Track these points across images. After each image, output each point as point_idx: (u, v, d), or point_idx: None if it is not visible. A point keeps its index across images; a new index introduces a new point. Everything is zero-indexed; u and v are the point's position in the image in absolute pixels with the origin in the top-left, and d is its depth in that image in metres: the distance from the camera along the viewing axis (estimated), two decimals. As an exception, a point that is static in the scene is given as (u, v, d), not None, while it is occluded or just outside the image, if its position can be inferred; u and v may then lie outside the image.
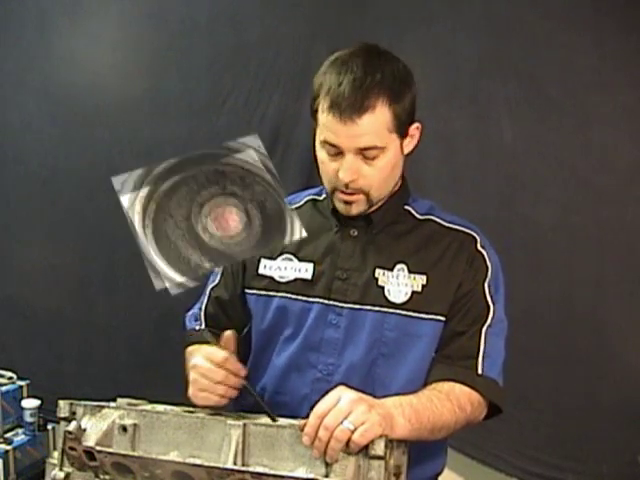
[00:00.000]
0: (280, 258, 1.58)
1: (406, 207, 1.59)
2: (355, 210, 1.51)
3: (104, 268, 2.49)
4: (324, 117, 1.44)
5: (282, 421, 1.34)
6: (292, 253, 1.57)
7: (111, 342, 2.48)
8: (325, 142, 1.46)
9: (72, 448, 1.33)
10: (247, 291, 1.62)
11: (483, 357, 1.50)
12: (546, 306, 2.55)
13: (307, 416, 1.38)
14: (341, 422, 1.21)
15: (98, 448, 1.31)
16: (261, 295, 1.59)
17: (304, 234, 1.48)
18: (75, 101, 2.39)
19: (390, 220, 1.57)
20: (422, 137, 2.30)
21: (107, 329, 2.48)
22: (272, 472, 1.25)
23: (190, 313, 1.74)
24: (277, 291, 1.57)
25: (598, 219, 2.47)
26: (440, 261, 1.53)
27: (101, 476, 1.36)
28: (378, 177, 1.48)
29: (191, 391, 1.41)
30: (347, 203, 1.50)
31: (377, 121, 1.43)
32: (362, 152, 1.44)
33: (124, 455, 1.30)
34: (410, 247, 1.54)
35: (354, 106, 1.40)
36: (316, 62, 2.24)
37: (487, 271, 1.54)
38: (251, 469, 1.26)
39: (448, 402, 1.42)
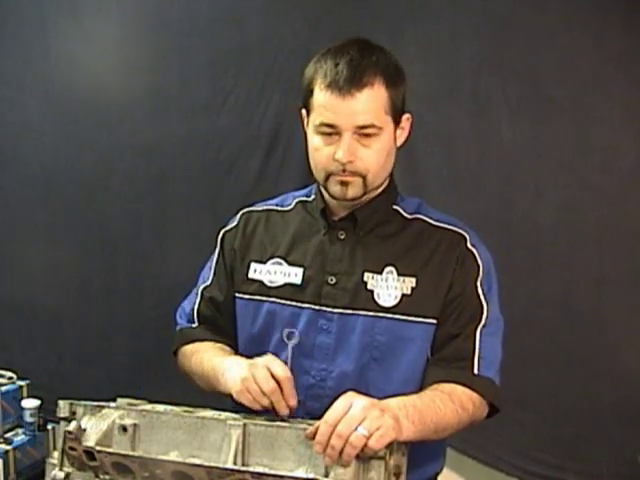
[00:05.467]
0: (270, 262, 1.58)
1: (394, 207, 1.59)
2: (351, 192, 1.49)
3: (104, 268, 2.49)
4: (322, 97, 1.44)
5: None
6: (282, 257, 1.57)
7: (111, 342, 2.48)
8: (322, 125, 1.45)
9: (72, 448, 1.34)
10: (237, 295, 1.62)
11: (479, 357, 1.50)
12: (546, 306, 2.55)
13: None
14: (355, 429, 1.20)
15: (98, 448, 1.32)
16: (251, 300, 1.59)
17: (294, 238, 1.54)
18: (75, 101, 2.38)
19: (378, 221, 1.56)
20: (422, 137, 2.32)
21: (107, 329, 2.47)
22: (272, 472, 1.25)
23: (180, 312, 1.73)
24: (267, 296, 1.57)
25: (598, 219, 2.47)
26: (429, 262, 1.52)
27: (101, 476, 1.36)
28: (375, 160, 1.47)
29: (239, 387, 1.38)
30: (343, 184, 1.48)
31: (375, 98, 1.44)
32: (359, 132, 1.44)
33: (124, 455, 1.31)
34: (399, 249, 1.54)
35: (353, 81, 1.41)
36: None
37: (478, 270, 1.54)
38: (251, 469, 1.26)
39: (450, 402, 1.42)
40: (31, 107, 2.43)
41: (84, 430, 1.35)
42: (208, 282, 1.68)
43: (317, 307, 1.52)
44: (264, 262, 1.59)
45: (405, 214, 1.59)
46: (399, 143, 1.56)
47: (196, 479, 1.28)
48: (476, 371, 1.49)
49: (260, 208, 1.69)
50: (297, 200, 1.67)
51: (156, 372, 2.42)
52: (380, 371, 1.50)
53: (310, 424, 1.29)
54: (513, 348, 2.50)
